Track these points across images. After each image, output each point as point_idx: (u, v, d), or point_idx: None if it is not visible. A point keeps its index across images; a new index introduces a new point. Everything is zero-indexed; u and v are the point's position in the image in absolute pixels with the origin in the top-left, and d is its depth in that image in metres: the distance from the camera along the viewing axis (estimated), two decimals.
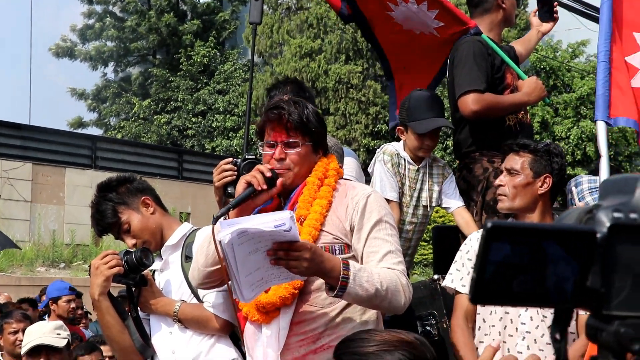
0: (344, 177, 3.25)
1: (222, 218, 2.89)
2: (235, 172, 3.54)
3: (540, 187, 3.49)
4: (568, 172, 22.67)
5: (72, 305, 7.78)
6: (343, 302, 2.96)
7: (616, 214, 1.04)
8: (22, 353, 4.48)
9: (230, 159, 3.59)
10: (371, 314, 3.03)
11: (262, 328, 2.99)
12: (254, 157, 3.56)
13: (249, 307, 3.00)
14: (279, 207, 3.06)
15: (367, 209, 3.00)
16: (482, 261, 1.05)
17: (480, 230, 3.66)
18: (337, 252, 2.95)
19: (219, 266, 2.96)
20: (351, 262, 2.82)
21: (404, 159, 4.33)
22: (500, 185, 3.53)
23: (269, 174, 2.96)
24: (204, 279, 3.12)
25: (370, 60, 26.95)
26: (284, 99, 3.12)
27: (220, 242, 2.65)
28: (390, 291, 2.87)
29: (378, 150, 4.48)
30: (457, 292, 3.61)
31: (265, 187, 2.94)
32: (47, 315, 8.03)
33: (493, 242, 1.05)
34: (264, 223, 2.62)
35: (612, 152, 22.77)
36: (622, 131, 23.66)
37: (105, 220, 3.55)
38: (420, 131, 4.24)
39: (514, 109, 4.40)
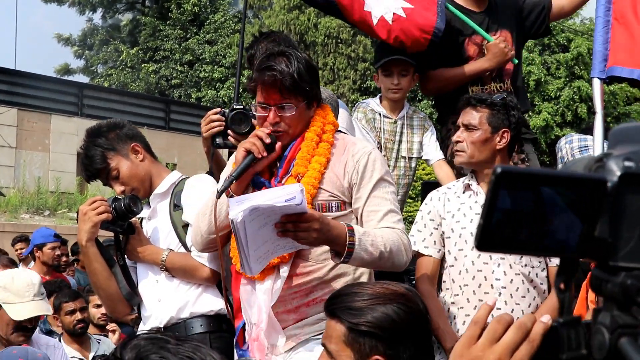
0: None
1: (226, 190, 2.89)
2: (223, 123, 3.51)
3: (499, 142, 3.45)
4: (557, 133, 22.76)
5: (57, 252, 7.77)
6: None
7: (627, 163, 1.02)
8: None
9: (218, 109, 3.56)
10: (364, 269, 3.04)
11: (256, 284, 2.98)
12: (242, 107, 3.52)
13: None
14: (272, 164, 3.02)
15: (367, 167, 2.99)
16: (489, 207, 1.02)
17: (440, 189, 3.66)
18: (334, 209, 2.95)
19: (221, 234, 2.98)
20: (355, 227, 2.82)
21: (379, 114, 4.31)
22: (458, 142, 3.47)
23: (268, 140, 2.91)
24: (207, 245, 3.13)
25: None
26: (274, 52, 3.01)
27: (232, 220, 2.62)
28: (394, 252, 2.88)
29: (354, 109, 4.46)
30: (420, 255, 3.54)
31: (265, 154, 2.91)
32: (33, 262, 8.04)
33: (501, 188, 1.02)
34: (275, 198, 2.60)
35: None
36: (613, 93, 23.69)
37: (94, 165, 3.50)
38: (377, 66, 4.26)
39: (473, 76, 4.31)
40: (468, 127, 3.45)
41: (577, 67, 24.57)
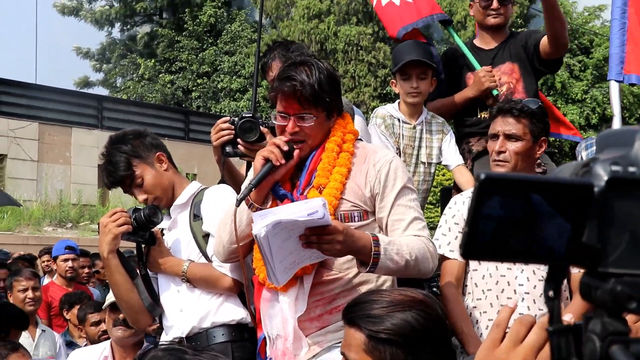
0: None
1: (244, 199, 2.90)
2: (233, 132, 3.51)
3: (538, 151, 3.46)
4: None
5: (70, 264, 7.77)
6: None
7: (614, 167, 0.99)
8: (103, 307, 4.54)
9: (227, 118, 3.56)
10: (387, 277, 3.03)
11: (279, 295, 2.98)
12: (250, 115, 3.52)
13: (266, 274, 2.97)
14: (294, 175, 3.02)
15: (390, 176, 2.98)
16: (474, 215, 1.00)
17: (464, 193, 3.64)
18: (357, 219, 2.95)
19: (243, 243, 2.99)
20: (380, 237, 2.82)
21: (398, 119, 4.29)
22: (501, 152, 3.44)
23: (285, 148, 2.91)
24: (230, 255, 3.13)
25: (380, 23, 26.74)
26: (295, 61, 3.02)
27: (256, 235, 2.62)
28: (419, 259, 2.88)
29: (371, 115, 4.46)
30: (445, 258, 3.52)
31: (283, 162, 2.90)
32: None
33: (486, 194, 1.00)
34: (298, 212, 2.60)
35: (626, 114, 22.65)
36: (637, 96, 23.53)
37: (119, 172, 3.49)
38: (394, 70, 4.26)
39: (461, 104, 4.51)
40: (510, 137, 3.42)
41: (606, 69, 24.45)
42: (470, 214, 1.01)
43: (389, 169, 2.99)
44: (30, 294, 6.36)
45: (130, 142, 3.53)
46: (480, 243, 1.02)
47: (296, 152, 2.95)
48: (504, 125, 3.44)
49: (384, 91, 25.90)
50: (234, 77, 28.34)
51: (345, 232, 2.68)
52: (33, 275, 6.64)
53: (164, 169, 3.56)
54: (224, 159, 3.61)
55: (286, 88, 2.91)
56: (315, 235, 2.65)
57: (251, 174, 3.12)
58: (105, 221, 3.40)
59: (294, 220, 2.59)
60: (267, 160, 2.90)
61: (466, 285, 3.51)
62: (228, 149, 3.54)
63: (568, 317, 1.16)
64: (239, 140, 3.50)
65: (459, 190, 4.33)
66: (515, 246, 1.02)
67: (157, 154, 3.56)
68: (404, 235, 2.93)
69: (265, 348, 3.07)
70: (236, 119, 3.52)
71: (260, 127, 3.48)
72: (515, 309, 1.34)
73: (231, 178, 3.71)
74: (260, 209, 2.89)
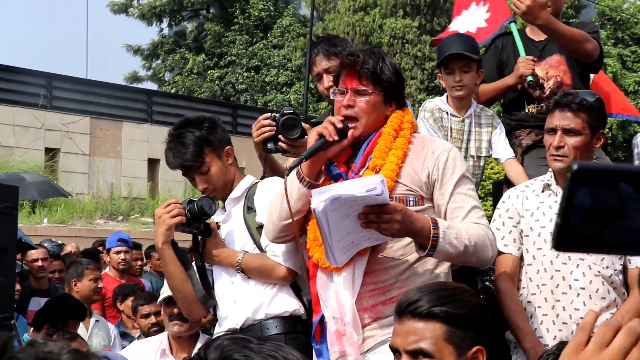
0: None
1: (296, 170, 2.96)
2: (274, 128, 3.53)
3: (596, 144, 3.43)
4: (635, 129, 22.24)
5: (122, 256, 7.87)
6: (415, 255, 2.97)
7: None
8: (158, 301, 4.62)
9: (269, 114, 3.57)
10: (443, 268, 3.04)
11: (333, 276, 3.00)
12: (292, 111, 3.54)
13: (320, 254, 3.00)
14: (350, 158, 3.05)
15: (449, 164, 3.01)
16: (566, 206, 1.00)
17: (518, 187, 3.61)
18: (411, 203, 2.96)
19: (294, 219, 3.00)
20: (439, 220, 2.85)
21: (446, 112, 4.27)
22: (560, 147, 3.40)
23: (340, 125, 2.95)
24: (279, 233, 3.15)
25: (427, 16, 26.58)
26: (361, 48, 3.11)
27: (314, 210, 2.67)
28: (478, 246, 2.90)
29: (420, 108, 4.45)
30: (500, 253, 3.48)
31: (336, 138, 2.94)
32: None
33: (579, 185, 0.99)
34: (356, 188, 2.63)
35: None
36: None
37: (188, 156, 3.48)
38: (437, 63, 4.26)
39: (505, 90, 4.51)
40: (569, 132, 3.38)
41: None
42: (562, 205, 1.00)
43: (447, 157, 3.02)
44: (100, 283, 6.53)
45: (206, 129, 3.53)
46: (572, 234, 1.01)
47: (350, 132, 2.98)
48: (562, 119, 3.39)
49: (432, 84, 25.75)
50: (282, 71, 28.42)
51: (404, 212, 2.72)
52: (96, 267, 6.81)
53: (230, 162, 3.59)
54: (265, 155, 3.63)
55: (347, 61, 3.01)
56: (374, 214, 2.67)
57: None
58: (160, 212, 3.44)
59: (353, 196, 2.62)
60: (320, 135, 2.94)
61: (520, 280, 3.49)
62: (269, 145, 3.56)
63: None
64: (280, 136, 3.53)
65: (510, 183, 4.31)
66: (606, 237, 1.01)
67: (227, 147, 3.58)
68: (463, 223, 2.94)
69: (320, 332, 3.09)
70: (277, 115, 3.54)
71: (302, 123, 3.51)
72: (600, 315, 1.33)
73: (273, 173, 3.73)
74: (312, 184, 2.94)
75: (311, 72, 4.10)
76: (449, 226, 2.85)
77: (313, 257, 3.06)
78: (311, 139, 2.97)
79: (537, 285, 3.41)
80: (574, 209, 1.00)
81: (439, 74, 4.37)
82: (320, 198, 2.63)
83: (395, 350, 2.23)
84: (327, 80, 3.92)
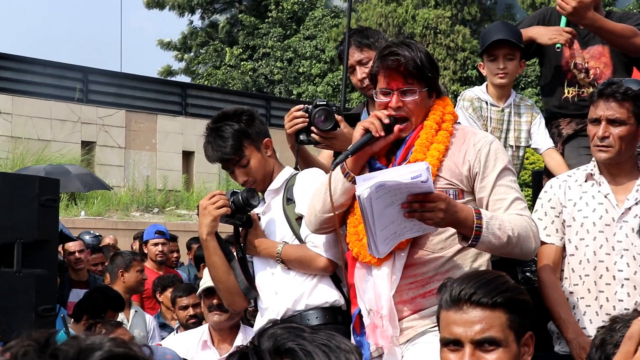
0: None
1: (340, 165, 2.96)
2: (307, 119, 3.53)
3: None
4: None
5: (159, 248, 7.95)
6: (455, 248, 2.97)
7: None
8: (197, 293, 4.67)
9: (302, 106, 3.58)
10: (482, 260, 3.03)
11: (372, 270, 3.00)
12: (325, 103, 3.54)
13: (360, 248, 3.01)
14: (390, 151, 3.05)
15: (490, 156, 3.00)
16: None
17: (560, 177, 3.57)
18: (452, 197, 2.94)
19: (336, 213, 3.01)
20: (483, 211, 2.84)
21: (486, 102, 4.24)
22: (605, 137, 3.36)
23: (386, 121, 2.95)
24: (320, 225, 3.16)
25: (459, 5, 26.41)
26: (395, 42, 3.08)
27: (358, 197, 2.67)
28: (522, 237, 2.89)
29: (458, 98, 4.42)
30: (542, 243, 3.43)
31: (383, 134, 2.94)
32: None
33: None
34: (401, 175, 2.63)
35: None
36: None
37: (227, 149, 3.49)
38: (481, 50, 4.23)
39: (528, 41, 4.33)
40: (614, 122, 3.34)
41: None
42: None
43: (489, 150, 3.00)
44: (144, 275, 6.63)
45: (244, 122, 3.52)
46: None
47: (396, 128, 2.98)
48: (607, 109, 3.35)
49: (464, 74, 25.60)
50: (314, 62, 28.44)
51: (448, 201, 2.72)
52: (142, 259, 6.96)
53: (269, 155, 3.59)
54: (297, 147, 3.63)
55: (390, 62, 2.96)
56: (418, 203, 2.67)
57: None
58: (205, 203, 3.45)
59: (397, 182, 2.61)
60: (366, 130, 2.94)
61: (563, 270, 3.46)
62: (302, 136, 3.57)
63: None
64: (313, 128, 3.53)
65: (550, 174, 4.28)
66: None
67: (265, 140, 3.58)
68: (506, 214, 2.93)
69: (360, 323, 3.09)
70: (310, 106, 3.54)
71: (335, 115, 3.51)
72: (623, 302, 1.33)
73: (306, 165, 3.74)
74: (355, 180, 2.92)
75: (342, 63, 4.09)
76: (492, 217, 2.84)
77: (353, 251, 3.06)
78: (357, 133, 2.97)
79: (580, 276, 3.39)
80: None
81: (480, 63, 4.34)
82: (365, 185, 2.63)
83: (450, 342, 2.22)
84: (360, 72, 3.92)
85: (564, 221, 3.45)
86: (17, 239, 4.18)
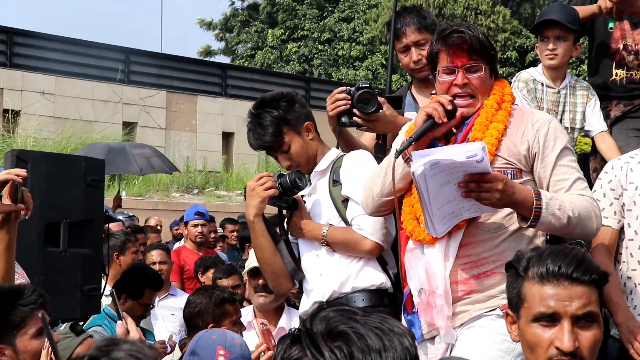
0: None
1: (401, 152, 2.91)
2: (349, 102, 3.50)
3: None
4: None
5: (199, 229, 7.97)
6: (511, 229, 2.93)
7: None
8: (244, 272, 4.68)
9: (344, 88, 3.55)
10: (539, 241, 2.99)
11: (425, 248, 2.98)
12: (367, 85, 3.51)
13: (414, 226, 2.99)
14: (449, 131, 3.01)
15: (549, 135, 2.97)
16: None
17: (622, 157, 3.49)
18: (510, 176, 2.91)
19: (395, 197, 2.99)
20: (542, 192, 2.81)
21: (541, 83, 4.19)
22: None
23: (449, 107, 2.92)
24: (378, 208, 3.15)
25: None
26: (453, 23, 3.05)
27: (413, 173, 2.65)
28: (583, 218, 2.86)
29: (514, 79, 4.35)
30: None
31: (445, 120, 2.91)
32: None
33: None
34: (456, 154, 2.60)
35: None
36: None
37: (267, 137, 3.50)
38: (531, 30, 4.21)
39: (589, 17, 4.31)
40: None
41: None
42: None
43: (548, 129, 2.97)
44: (140, 255, 6.58)
45: (282, 108, 3.51)
46: None
47: (459, 113, 2.95)
48: None
49: (504, 55, 25.34)
50: (353, 44, 28.33)
51: (505, 181, 2.69)
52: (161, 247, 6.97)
53: (310, 138, 3.56)
54: (339, 129, 3.61)
55: (455, 39, 2.95)
56: (474, 183, 2.64)
57: (403, 132, 3.15)
58: (253, 185, 3.44)
59: (452, 161, 2.59)
60: (429, 116, 2.90)
61: (620, 254, 3.40)
62: (344, 119, 3.55)
63: None
64: (355, 110, 3.50)
65: (598, 156, 4.21)
66: None
67: (306, 123, 3.55)
68: (567, 194, 2.90)
69: (412, 302, 3.07)
70: (352, 89, 3.51)
71: (378, 97, 3.48)
72: None
73: (348, 147, 3.71)
74: None
75: (397, 42, 4.02)
76: (552, 197, 2.81)
77: (407, 230, 3.04)
78: (419, 119, 2.93)
79: (638, 262, 3.32)
80: None
81: (536, 45, 4.28)
82: (419, 162, 2.61)
83: (544, 317, 2.20)
84: (416, 53, 3.86)
85: (624, 204, 3.38)
86: (63, 219, 4.22)
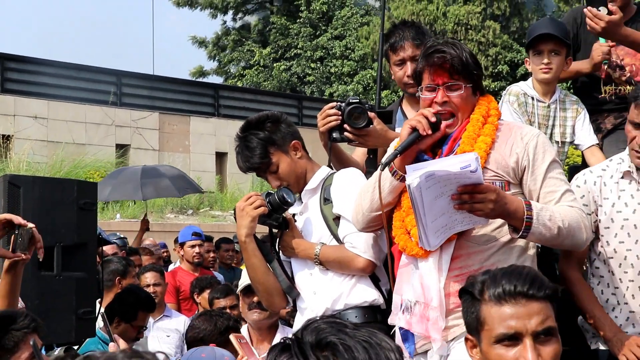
0: None
1: (388, 165, 2.96)
2: (340, 117, 3.52)
3: None
4: None
5: (196, 249, 7.97)
6: (502, 241, 2.97)
7: None
8: (238, 291, 4.68)
9: (334, 104, 3.57)
10: (527, 256, 3.02)
11: (418, 262, 3.00)
12: (357, 100, 3.53)
13: (405, 241, 3.02)
14: (436, 144, 3.05)
15: (538, 149, 3.02)
16: None
17: (594, 170, 3.45)
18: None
19: (384, 211, 3.02)
20: (533, 203, 2.86)
21: (532, 97, 4.21)
22: None
23: (433, 119, 2.96)
24: (368, 223, 3.18)
25: (488, 0, 26.28)
26: (440, 41, 3.09)
27: (408, 186, 2.68)
28: (573, 229, 2.91)
29: (504, 92, 4.39)
30: None
31: (430, 132, 2.95)
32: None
33: None
34: (450, 165, 2.65)
35: None
36: None
37: (255, 159, 3.52)
38: (526, 45, 4.20)
39: (576, 75, 4.44)
40: None
41: None
42: None
43: (537, 143, 3.02)
44: (137, 280, 6.52)
45: (268, 129, 3.54)
46: None
47: (443, 125, 3.00)
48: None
49: (495, 70, 25.47)
50: (345, 61, 28.46)
51: (498, 192, 2.74)
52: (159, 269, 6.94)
53: (299, 157, 3.59)
54: (330, 144, 3.63)
55: (436, 59, 3.00)
56: (467, 194, 2.69)
57: (392, 147, 3.18)
58: (242, 205, 3.45)
59: (447, 172, 2.63)
60: (413, 129, 2.95)
61: (597, 268, 3.37)
62: (335, 134, 3.57)
63: None
64: (346, 125, 3.52)
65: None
66: None
67: (293, 142, 3.58)
68: (556, 206, 2.94)
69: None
70: (342, 104, 3.53)
71: (368, 112, 3.50)
72: None
73: (339, 163, 3.73)
74: (404, 178, 2.91)
75: (393, 55, 4.01)
76: (542, 208, 2.86)
77: (399, 245, 3.06)
78: (404, 132, 2.98)
79: (620, 279, 3.30)
80: None
81: (527, 59, 4.30)
82: (415, 174, 2.65)
83: (506, 337, 2.21)
84: (411, 67, 3.86)
85: (600, 221, 3.35)
86: (57, 243, 4.23)
